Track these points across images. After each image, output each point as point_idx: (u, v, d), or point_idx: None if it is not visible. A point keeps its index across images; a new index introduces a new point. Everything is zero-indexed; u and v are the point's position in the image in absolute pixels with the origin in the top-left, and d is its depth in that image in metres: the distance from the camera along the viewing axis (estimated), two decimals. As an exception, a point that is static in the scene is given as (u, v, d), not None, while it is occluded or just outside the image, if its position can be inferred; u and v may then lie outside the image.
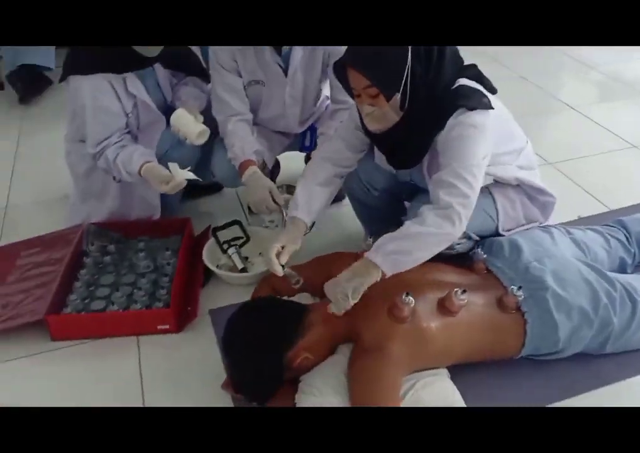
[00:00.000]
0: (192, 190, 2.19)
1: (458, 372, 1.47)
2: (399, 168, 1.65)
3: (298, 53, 1.81)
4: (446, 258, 1.59)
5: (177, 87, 1.99)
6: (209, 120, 1.91)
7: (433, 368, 1.46)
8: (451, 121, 1.40)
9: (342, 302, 1.36)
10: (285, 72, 1.85)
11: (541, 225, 1.75)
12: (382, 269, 1.37)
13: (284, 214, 1.78)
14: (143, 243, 2.01)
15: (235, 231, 2.01)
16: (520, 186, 1.66)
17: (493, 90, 1.51)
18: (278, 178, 2.33)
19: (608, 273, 1.56)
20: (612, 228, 1.80)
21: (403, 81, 1.35)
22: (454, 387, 1.43)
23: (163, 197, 2.03)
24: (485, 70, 1.54)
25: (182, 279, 1.83)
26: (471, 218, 1.47)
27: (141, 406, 1.51)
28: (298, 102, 1.95)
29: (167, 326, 1.70)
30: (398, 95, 1.38)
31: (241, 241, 1.97)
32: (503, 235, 1.68)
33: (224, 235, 1.98)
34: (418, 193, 1.72)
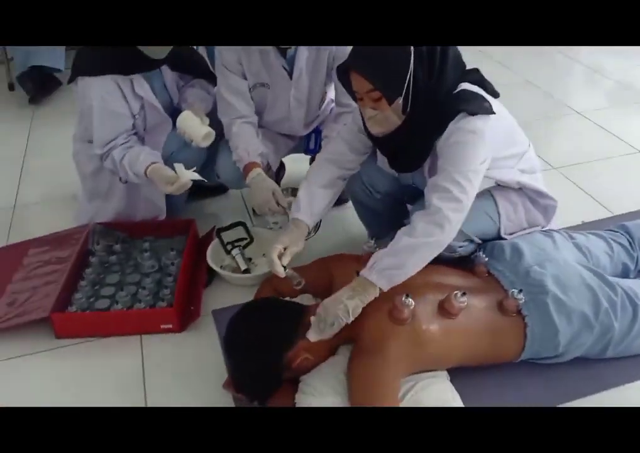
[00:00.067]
0: (197, 192, 2.21)
1: (457, 374, 1.48)
2: (401, 172, 1.66)
3: (303, 56, 1.82)
4: (447, 261, 1.60)
5: (184, 89, 2.01)
6: (215, 122, 1.93)
7: (432, 370, 1.46)
8: (451, 126, 1.41)
9: (339, 321, 1.36)
10: (290, 74, 1.87)
11: (543, 229, 1.75)
12: (378, 286, 1.38)
13: (289, 216, 1.79)
14: (148, 243, 2.03)
15: (239, 232, 2.03)
16: (522, 189, 1.67)
17: (495, 94, 1.51)
18: (283, 181, 2.35)
19: (610, 277, 1.56)
20: (615, 233, 1.80)
21: (406, 85, 1.36)
22: (454, 389, 1.44)
23: (169, 198, 2.05)
24: (492, 74, 1.55)
25: (186, 279, 1.85)
26: (473, 221, 1.48)
27: (143, 403, 1.53)
28: (303, 105, 1.97)
29: (170, 326, 1.72)
30: (400, 99, 1.38)
31: (245, 242, 1.99)
32: (505, 238, 1.68)
33: (228, 236, 2.00)
34: (420, 196, 1.71)
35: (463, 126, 1.39)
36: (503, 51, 3.67)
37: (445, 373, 1.48)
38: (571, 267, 1.56)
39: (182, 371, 1.62)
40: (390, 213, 1.89)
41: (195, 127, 1.84)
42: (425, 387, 1.41)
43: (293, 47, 1.80)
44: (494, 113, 1.42)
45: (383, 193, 1.81)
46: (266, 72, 1.88)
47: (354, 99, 1.49)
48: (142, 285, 1.85)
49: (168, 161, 1.85)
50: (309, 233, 1.68)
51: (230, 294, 1.85)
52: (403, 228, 1.43)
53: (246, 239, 2.00)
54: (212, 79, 2.03)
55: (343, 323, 1.37)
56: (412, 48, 1.33)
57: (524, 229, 1.72)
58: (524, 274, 1.55)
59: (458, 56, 1.45)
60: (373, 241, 1.67)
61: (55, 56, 3.12)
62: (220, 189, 2.37)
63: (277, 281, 1.64)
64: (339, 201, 2.03)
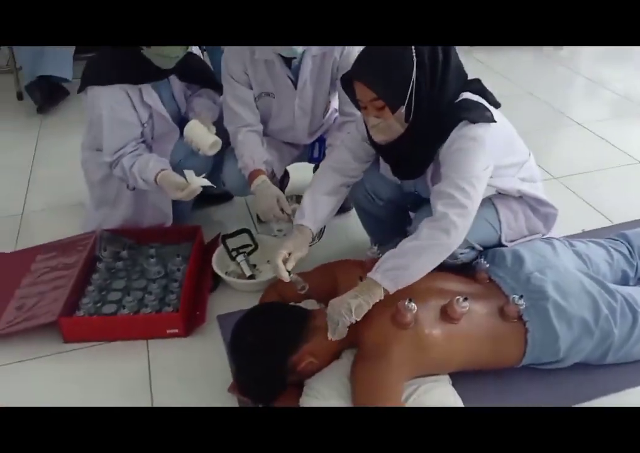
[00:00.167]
0: (203, 200, 2.24)
1: (459, 378, 1.49)
2: (403, 179, 1.68)
3: (307, 66, 1.86)
4: (449, 268, 1.62)
5: (191, 99, 2.05)
6: (221, 131, 1.97)
7: (435, 374, 1.48)
8: (453, 134, 1.44)
9: (343, 319, 1.38)
10: (295, 84, 1.90)
11: (544, 237, 1.77)
12: (383, 286, 1.40)
13: (293, 224, 1.81)
14: (154, 249, 2.05)
15: (244, 239, 2.05)
16: (523, 198, 1.69)
17: (496, 105, 1.54)
18: (287, 189, 2.38)
19: (609, 284, 1.58)
20: (615, 241, 1.82)
21: (408, 94, 1.39)
22: (456, 393, 1.45)
23: (175, 205, 2.08)
24: (493, 86, 1.57)
25: (192, 284, 1.87)
26: (475, 229, 1.49)
27: (150, 406, 1.54)
28: (307, 114, 2.00)
29: (176, 330, 1.74)
30: (403, 108, 1.41)
31: (250, 249, 2.01)
32: (506, 246, 1.70)
33: (233, 243, 2.02)
34: (423, 203, 1.74)
35: (465, 134, 1.42)
36: (504, 63, 3.72)
37: (447, 377, 1.49)
38: (571, 274, 1.58)
39: (187, 375, 1.64)
40: (392, 220, 1.91)
41: (202, 136, 1.87)
42: (427, 390, 1.43)
43: (298, 57, 1.84)
44: (495, 122, 1.45)
45: (385, 200, 1.84)
46: (272, 81, 1.91)
47: (358, 107, 1.52)
48: (148, 291, 1.88)
49: (176, 169, 1.88)
50: (313, 239, 1.70)
51: (235, 300, 1.87)
52: (409, 236, 1.46)
53: (250, 246, 2.03)
54: (218, 89, 2.06)
55: (347, 321, 1.39)
56: (414, 57, 1.36)
57: (525, 236, 1.74)
58: (525, 280, 1.57)
59: (460, 66, 1.48)
60: (376, 248, 1.69)
61: (62, 66, 3.16)
62: (225, 197, 2.40)
63: (281, 286, 1.66)
64: (343, 209, 2.05)
